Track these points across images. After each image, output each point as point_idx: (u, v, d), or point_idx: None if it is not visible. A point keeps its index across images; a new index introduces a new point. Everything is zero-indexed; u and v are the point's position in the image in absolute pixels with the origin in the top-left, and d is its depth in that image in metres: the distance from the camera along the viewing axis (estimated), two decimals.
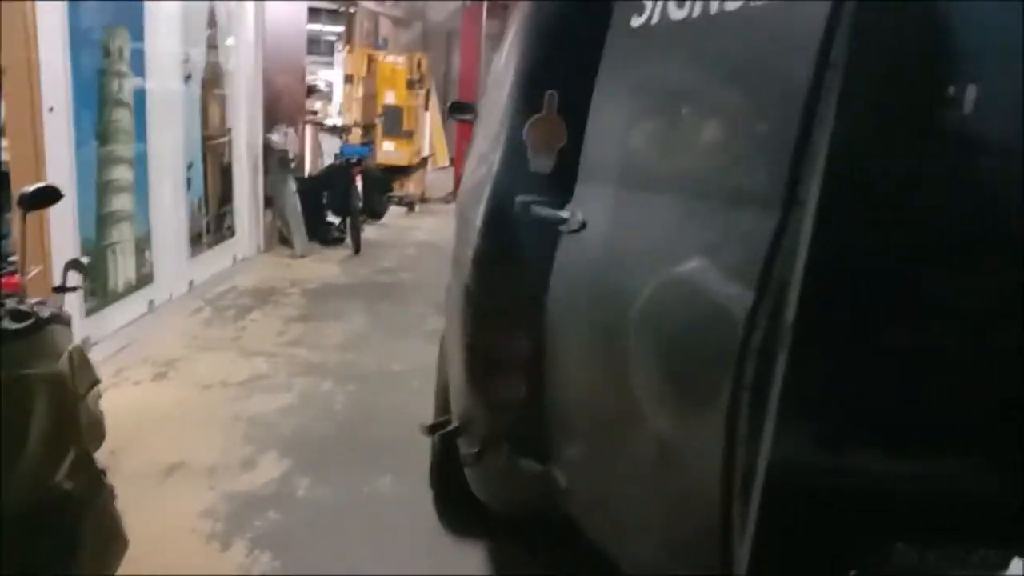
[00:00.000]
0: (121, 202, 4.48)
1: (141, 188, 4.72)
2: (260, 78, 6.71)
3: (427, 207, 10.40)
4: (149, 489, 3.00)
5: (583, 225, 1.81)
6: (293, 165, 7.37)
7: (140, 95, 4.65)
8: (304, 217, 7.26)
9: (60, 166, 3.77)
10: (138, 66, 4.61)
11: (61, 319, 1.96)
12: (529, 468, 2.03)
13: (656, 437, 1.56)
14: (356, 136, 8.91)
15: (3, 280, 1.94)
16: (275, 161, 6.98)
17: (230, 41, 6.19)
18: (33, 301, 1.92)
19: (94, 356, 2.58)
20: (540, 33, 2.02)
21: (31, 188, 2.08)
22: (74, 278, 2.14)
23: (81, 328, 3.46)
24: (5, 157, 3.79)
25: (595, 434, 1.85)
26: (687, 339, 1.49)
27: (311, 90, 10.11)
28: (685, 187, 1.57)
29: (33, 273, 2.38)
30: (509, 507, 2.34)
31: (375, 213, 8.28)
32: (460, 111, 4.35)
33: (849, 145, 1.26)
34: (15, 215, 2.21)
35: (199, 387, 4.04)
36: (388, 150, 9.73)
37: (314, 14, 10.21)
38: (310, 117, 9.00)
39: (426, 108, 11.00)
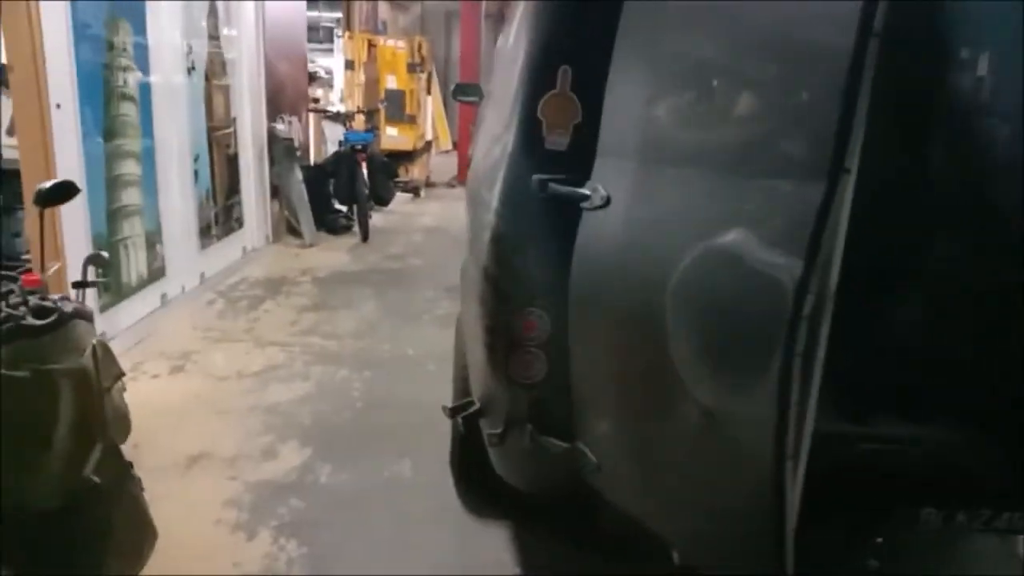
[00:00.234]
0: (130, 196, 4.48)
1: (149, 182, 4.72)
2: (262, 67, 6.68)
3: (432, 192, 10.38)
4: (173, 481, 3.03)
5: (608, 201, 1.80)
6: (298, 154, 7.36)
7: (145, 88, 4.63)
8: (311, 206, 7.26)
9: (69, 162, 3.77)
10: (141, 60, 4.59)
11: (83, 314, 1.97)
12: (553, 446, 2.03)
13: (699, 406, 1.57)
14: (359, 122, 8.88)
15: (24, 277, 1.94)
16: (280, 150, 6.97)
17: (232, 31, 6.16)
18: (56, 297, 1.93)
19: None
20: (551, 9, 2.00)
21: (48, 184, 2.08)
22: (93, 273, 2.14)
23: (96, 324, 3.48)
24: (14, 155, 3.79)
25: (630, 408, 1.85)
26: (732, 308, 1.49)
27: (311, 77, 10.07)
28: (722, 159, 1.57)
29: (53, 269, 2.38)
30: (533, 486, 2.35)
31: (381, 199, 8.26)
32: (465, 93, 4.33)
33: (889, 116, 1.27)
34: (29, 213, 2.22)
35: (216, 379, 4.06)
36: (392, 135, 9.71)
37: (312, 1, 10.16)
38: (313, 105, 8.97)
39: (428, 92, 10.95)
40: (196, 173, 5.50)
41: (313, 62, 10.44)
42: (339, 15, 11.99)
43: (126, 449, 2.14)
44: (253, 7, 6.53)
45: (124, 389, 2.20)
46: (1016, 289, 2.07)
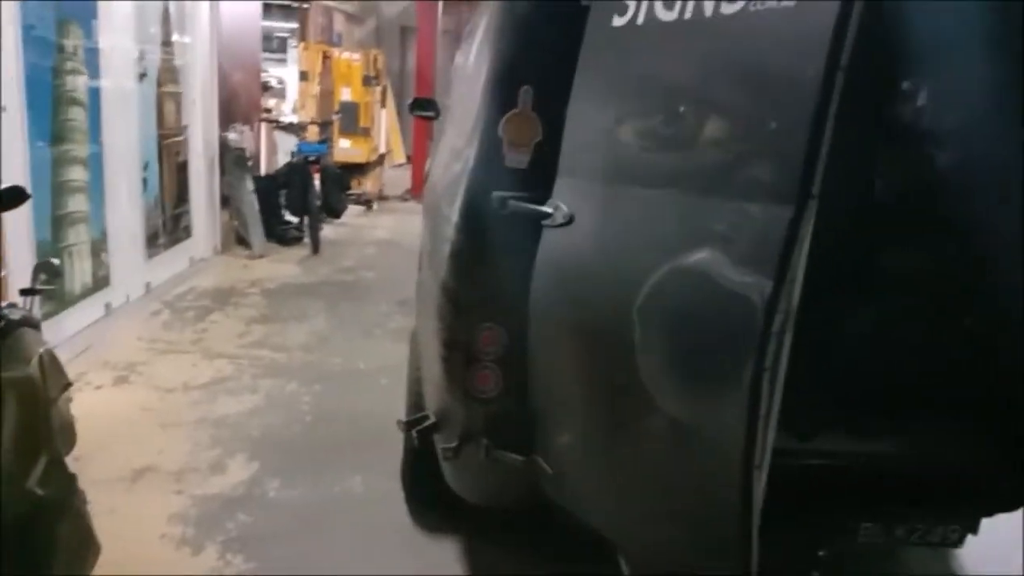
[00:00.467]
0: (76, 203, 4.38)
1: (96, 189, 4.62)
2: (215, 75, 6.61)
3: (385, 205, 10.34)
4: (117, 494, 2.96)
5: (571, 219, 1.84)
6: (250, 164, 7.28)
7: (94, 93, 4.55)
8: (262, 216, 7.17)
9: (14, 167, 3.67)
10: (92, 64, 4.51)
11: (31, 322, 1.93)
12: (508, 460, 2.05)
13: (666, 417, 1.61)
14: (313, 133, 8.82)
15: None
16: (231, 160, 6.88)
17: (185, 38, 6.08)
18: (2, 305, 1.88)
19: None
20: (514, 29, 2.04)
21: None
22: (43, 281, 2.10)
23: None
24: None
25: (595, 420, 1.88)
26: (701, 324, 1.54)
27: (265, 87, 9.98)
28: (689, 182, 1.61)
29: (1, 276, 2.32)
30: (488, 500, 2.36)
31: (334, 211, 8.20)
32: (422, 107, 4.34)
33: (850, 143, 1.35)
34: None
35: (162, 391, 3.97)
36: (345, 147, 9.65)
37: (266, 10, 10.09)
38: (265, 115, 8.88)
39: (382, 105, 10.93)
40: (145, 181, 5.40)
41: (266, 72, 10.36)
42: (294, 25, 11.93)
43: (69, 462, 2.09)
44: (207, 15, 6.46)
45: (70, 400, 2.15)
46: (959, 312, 2.18)
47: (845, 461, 2.15)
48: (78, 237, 4.43)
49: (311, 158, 7.67)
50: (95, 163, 4.59)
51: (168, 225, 5.87)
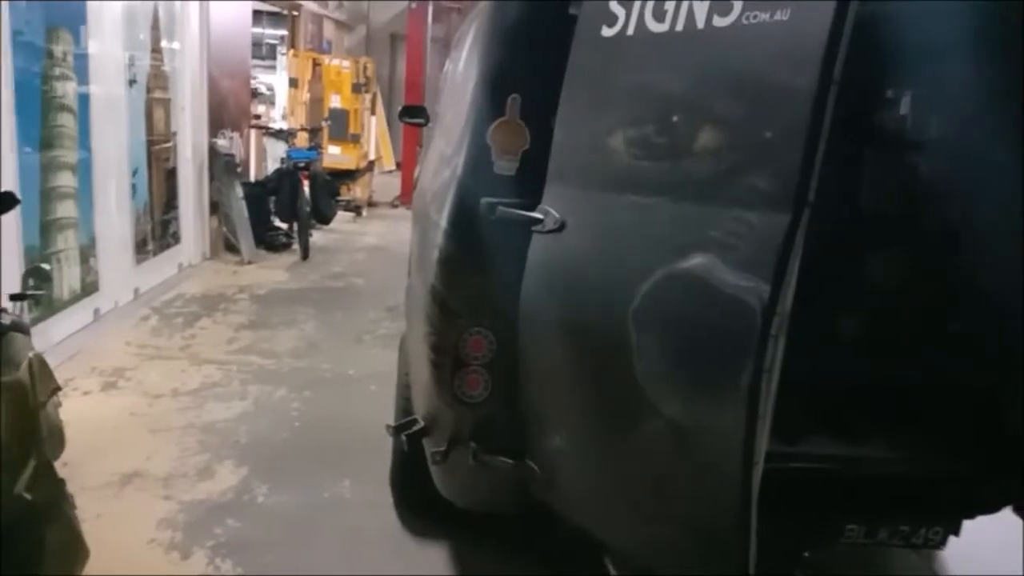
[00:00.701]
0: (65, 209, 4.38)
1: (85, 195, 4.62)
2: (205, 82, 6.61)
3: (374, 211, 10.35)
4: (106, 500, 2.95)
5: (562, 226, 1.86)
6: (239, 170, 7.27)
7: (84, 100, 4.55)
8: (251, 222, 7.17)
9: (4, 172, 3.67)
10: (81, 70, 4.51)
11: (20, 327, 1.94)
12: (497, 464, 2.07)
13: (663, 419, 1.64)
14: (302, 140, 8.83)
15: None
16: (221, 166, 6.88)
17: (175, 45, 6.09)
18: None
19: None
20: (502, 37, 2.06)
21: None
22: (33, 286, 2.11)
23: None
24: None
25: (586, 423, 1.90)
26: (699, 327, 1.58)
27: (254, 94, 9.98)
28: (683, 190, 1.65)
29: None
30: (476, 504, 2.37)
31: (323, 218, 8.21)
32: (411, 115, 4.36)
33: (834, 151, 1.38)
34: None
35: (150, 396, 3.97)
36: (335, 154, 9.65)
37: (256, 17, 10.10)
38: (255, 121, 8.88)
39: (372, 112, 10.95)
40: (134, 187, 5.40)
41: (256, 79, 10.36)
42: (283, 33, 11.93)
43: (57, 467, 2.09)
44: (197, 21, 6.47)
45: (59, 404, 2.16)
46: (941, 312, 2.21)
47: (829, 464, 2.18)
48: (67, 243, 4.42)
49: (300, 164, 7.67)
50: (84, 169, 4.59)
51: (157, 231, 5.87)
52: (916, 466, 2.16)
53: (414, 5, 10.87)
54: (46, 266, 2.46)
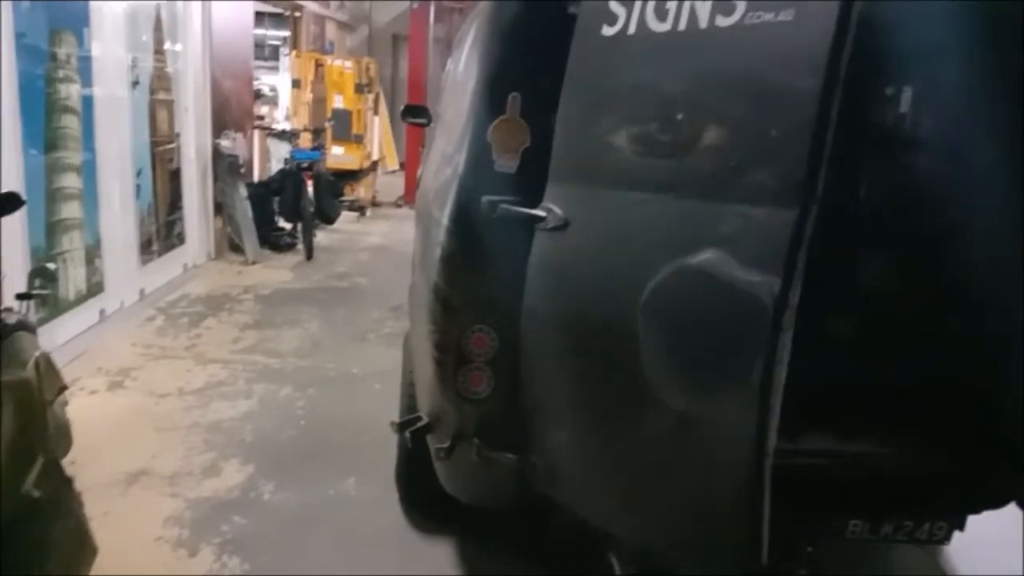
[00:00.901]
0: (70, 210, 4.40)
1: (90, 196, 4.64)
2: (208, 83, 6.64)
3: (378, 211, 10.37)
4: (112, 498, 2.98)
5: (565, 223, 1.88)
6: (243, 171, 7.30)
7: (87, 101, 4.57)
8: (255, 223, 7.19)
9: (9, 174, 3.70)
10: (85, 72, 4.54)
11: (27, 326, 1.96)
12: (501, 460, 2.08)
13: (672, 412, 1.67)
14: (306, 140, 8.85)
15: None
16: (224, 167, 6.90)
17: (177, 46, 6.11)
18: None
19: None
20: (502, 36, 2.08)
21: None
22: (38, 285, 2.12)
23: None
24: None
25: (593, 417, 1.92)
26: (709, 322, 1.61)
27: (257, 95, 10.01)
28: (688, 187, 1.68)
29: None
30: (480, 500, 2.38)
31: (327, 218, 8.23)
32: (413, 114, 4.37)
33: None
34: None
35: (156, 396, 3.99)
36: (338, 154, 9.67)
37: (258, 19, 10.13)
38: (258, 122, 8.90)
39: (375, 112, 10.97)
40: (138, 188, 5.42)
41: (259, 79, 10.39)
42: (286, 34, 11.95)
43: (64, 465, 2.11)
44: (199, 23, 6.49)
45: (66, 403, 2.18)
46: (940, 311, 2.22)
47: (831, 460, 2.18)
48: (72, 244, 4.45)
49: (304, 165, 7.70)
50: (88, 170, 4.61)
51: (162, 232, 5.89)
52: (918, 462, 2.17)
53: (416, 5, 10.88)
54: (51, 265, 2.47)
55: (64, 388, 2.09)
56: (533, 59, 2.03)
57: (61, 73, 4.29)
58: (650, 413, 1.74)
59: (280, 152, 8.69)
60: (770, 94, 1.55)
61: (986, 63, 1.95)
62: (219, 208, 6.99)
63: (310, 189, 7.72)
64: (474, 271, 2.07)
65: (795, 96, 1.48)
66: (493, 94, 2.04)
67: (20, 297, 2.09)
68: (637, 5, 1.75)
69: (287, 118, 10.67)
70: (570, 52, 1.90)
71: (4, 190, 2.27)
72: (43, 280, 2.26)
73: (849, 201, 2.29)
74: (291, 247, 7.60)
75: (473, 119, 2.07)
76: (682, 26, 1.66)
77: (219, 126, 6.90)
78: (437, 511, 2.80)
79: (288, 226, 7.76)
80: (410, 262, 2.97)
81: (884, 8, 1.99)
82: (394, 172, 12.69)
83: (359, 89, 9.93)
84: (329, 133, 9.55)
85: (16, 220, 3.69)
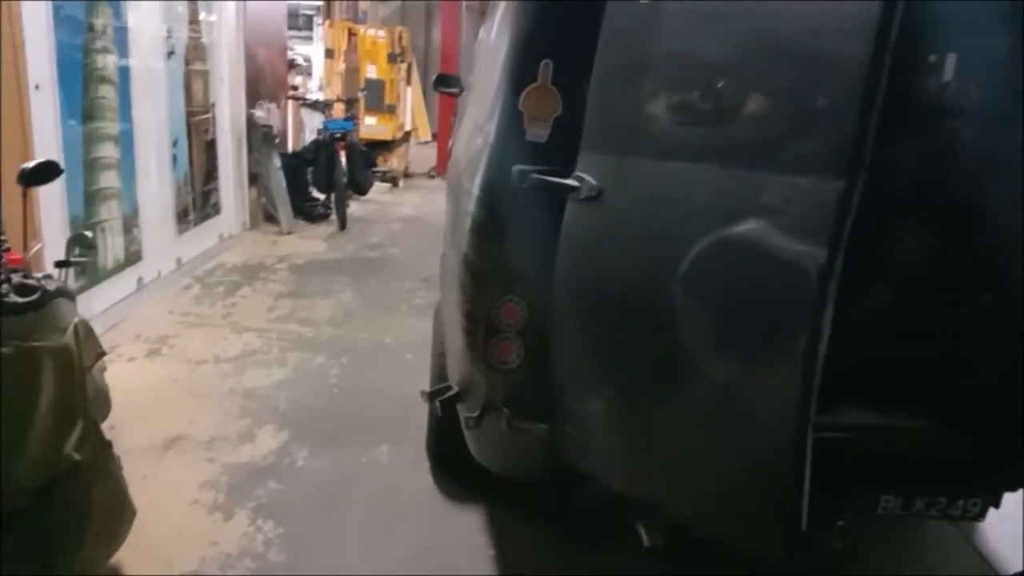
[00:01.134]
0: (108, 180, 4.47)
1: (127, 165, 4.70)
2: (242, 53, 6.65)
3: (411, 182, 10.38)
4: (150, 462, 3.04)
5: (600, 193, 1.86)
6: (277, 141, 7.34)
7: (124, 72, 4.61)
8: (289, 193, 7.25)
9: (47, 144, 3.76)
10: (121, 43, 4.57)
11: (66, 293, 1.99)
12: (530, 430, 2.09)
13: (713, 382, 1.68)
14: (339, 111, 8.86)
15: (7, 256, 1.95)
16: (259, 137, 6.94)
17: (212, 17, 6.13)
18: (38, 276, 1.95)
19: None
20: (534, 3, 2.05)
21: (31, 164, 2.10)
22: (76, 253, 2.16)
23: None
24: None
25: (628, 387, 1.92)
26: (753, 292, 1.61)
27: (291, 65, 10.02)
28: (730, 156, 1.66)
29: (35, 249, 2.40)
30: (509, 469, 2.40)
31: (360, 188, 8.26)
32: (445, 84, 4.35)
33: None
34: (8, 192, 2.22)
35: (193, 363, 4.06)
36: (371, 125, 9.69)
37: None
38: (292, 92, 8.93)
39: (408, 82, 10.94)
40: (174, 158, 5.48)
41: (292, 50, 10.40)
42: (319, 3, 11.92)
43: (104, 430, 2.16)
44: None
45: (104, 368, 2.22)
46: (977, 282, 2.17)
47: (864, 434, 2.16)
48: (110, 213, 4.52)
49: (337, 135, 7.71)
50: (126, 140, 4.67)
51: (198, 201, 5.96)
52: (951, 437, 2.13)
53: None
54: (89, 233, 2.51)
55: (102, 354, 2.13)
56: (565, 25, 2.00)
57: (98, 44, 4.33)
58: (688, 383, 1.75)
59: (314, 122, 8.71)
60: (817, 62, 1.53)
61: None
62: (254, 178, 7.05)
63: (343, 160, 7.74)
64: (504, 241, 2.06)
65: (844, 64, 1.46)
66: (524, 62, 2.01)
67: (59, 264, 2.13)
68: None
69: (320, 88, 10.69)
70: (604, 19, 1.86)
71: (47, 159, 2.30)
72: (81, 248, 2.29)
73: (887, 171, 2.24)
74: (324, 217, 7.65)
75: (504, 87, 2.05)
76: None
77: (253, 96, 6.93)
78: (467, 479, 2.82)
79: (321, 196, 7.80)
80: (441, 233, 2.97)
81: None
82: (427, 143, 12.68)
83: (392, 59, 9.91)
84: (362, 103, 9.55)
85: (55, 189, 3.76)
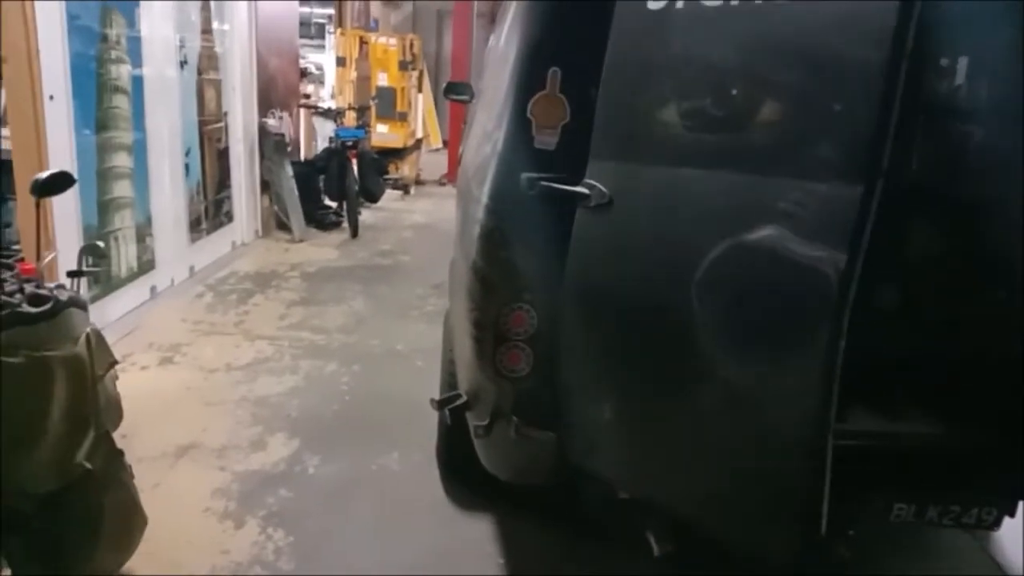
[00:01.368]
0: (121, 188, 4.50)
1: (140, 175, 4.74)
2: (254, 62, 6.69)
3: (422, 189, 10.41)
4: (163, 470, 3.06)
5: (610, 200, 1.86)
6: (289, 149, 7.37)
7: (137, 81, 4.65)
8: (301, 201, 7.28)
9: (61, 154, 3.79)
10: (134, 53, 4.61)
11: (78, 303, 2.01)
12: (538, 437, 2.09)
13: (722, 387, 1.70)
14: (350, 119, 8.90)
15: (20, 266, 1.97)
16: (271, 145, 6.98)
17: (225, 26, 6.18)
18: (51, 285, 1.96)
19: None
20: (542, 10, 2.05)
21: (44, 175, 2.12)
22: (87, 262, 2.18)
23: None
24: (6, 146, 3.81)
25: (642, 393, 1.93)
26: (770, 297, 1.62)
27: (303, 73, 10.08)
28: (745, 162, 1.67)
29: (49, 259, 2.42)
30: (518, 477, 2.40)
31: (372, 196, 8.28)
32: (455, 91, 4.37)
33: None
34: (23, 203, 2.25)
35: (205, 371, 4.08)
36: (382, 132, 9.72)
37: None
38: (304, 101, 8.98)
39: (419, 89, 10.97)
40: (187, 167, 5.52)
41: (304, 58, 10.46)
42: (331, 11, 11.99)
43: (116, 438, 2.17)
44: (246, 2, 6.54)
45: (116, 377, 2.23)
46: (988, 289, 2.15)
47: (877, 441, 2.14)
48: (123, 222, 4.55)
49: (349, 143, 7.74)
50: (139, 149, 4.70)
51: (210, 210, 6.00)
52: (966, 443, 2.11)
53: None
54: (101, 243, 2.53)
55: (114, 363, 2.14)
56: (574, 33, 2.00)
57: (112, 54, 4.37)
58: (705, 388, 1.76)
59: (326, 131, 8.75)
60: (832, 68, 1.54)
61: None
62: (266, 186, 7.08)
63: (355, 167, 7.77)
64: (513, 249, 2.06)
65: (860, 70, 1.48)
66: (533, 69, 2.02)
67: (71, 274, 2.15)
68: None
69: (332, 96, 10.73)
70: (613, 26, 1.86)
71: (60, 169, 2.33)
72: (94, 257, 2.31)
73: (900, 173, 2.22)
74: (336, 225, 7.67)
75: (513, 95, 2.05)
76: (736, 0, 1.64)
77: (265, 105, 6.97)
78: (477, 487, 2.82)
79: (333, 204, 7.83)
80: (452, 240, 2.98)
81: None
82: (438, 150, 12.71)
83: (403, 66, 9.94)
84: (374, 111, 9.58)
85: (69, 199, 3.79)
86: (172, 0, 5.14)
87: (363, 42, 9.99)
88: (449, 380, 2.70)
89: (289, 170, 7.18)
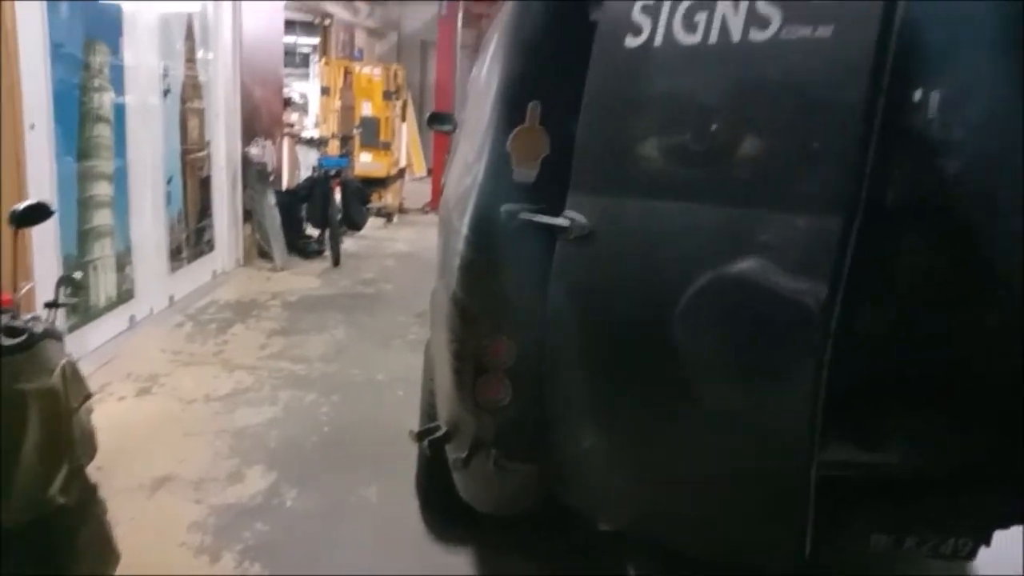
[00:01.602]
0: (102, 217, 4.48)
1: (121, 203, 4.72)
2: (238, 91, 6.71)
3: (405, 218, 10.42)
4: (138, 503, 3.01)
5: (590, 233, 1.88)
6: (271, 178, 7.37)
7: (119, 110, 4.65)
8: (283, 230, 7.27)
9: (42, 183, 3.78)
10: (117, 81, 4.61)
11: (54, 334, 1.99)
12: (518, 470, 2.07)
13: (715, 420, 1.71)
14: (334, 148, 8.92)
15: None
16: (254, 174, 6.98)
17: (208, 55, 6.20)
18: (26, 317, 1.94)
19: None
20: (522, 43, 2.08)
21: (22, 206, 2.10)
22: (64, 294, 2.16)
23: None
24: None
25: (626, 426, 1.93)
26: (752, 330, 1.65)
27: (287, 102, 10.11)
28: (725, 196, 1.70)
29: (25, 290, 2.39)
30: (498, 509, 2.38)
31: (354, 224, 8.28)
32: (439, 122, 4.39)
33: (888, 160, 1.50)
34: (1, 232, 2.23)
35: (183, 401, 4.04)
36: (366, 161, 9.74)
37: (288, 27, 10.22)
38: (287, 130, 9.00)
39: (403, 119, 11.03)
40: (169, 195, 5.50)
41: (288, 87, 10.50)
42: (316, 41, 12.06)
43: (91, 471, 2.14)
44: (230, 31, 6.57)
45: (91, 410, 2.20)
46: (969, 317, 2.17)
47: (854, 471, 2.14)
48: (103, 251, 4.52)
49: (332, 172, 7.75)
50: (120, 178, 4.69)
51: (191, 239, 5.97)
52: (943, 473, 2.12)
53: (444, 12, 10.92)
54: (79, 274, 2.51)
55: (89, 396, 2.11)
56: (553, 66, 2.03)
57: (95, 82, 4.37)
58: (687, 419, 1.77)
59: (309, 159, 8.76)
60: (810, 107, 1.58)
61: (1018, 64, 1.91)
62: (248, 215, 7.07)
63: (338, 196, 7.77)
64: (493, 280, 2.06)
65: (837, 110, 1.52)
66: (513, 102, 2.03)
67: (48, 305, 2.12)
68: (663, 17, 1.75)
69: (316, 125, 10.77)
70: (591, 62, 1.89)
71: (35, 199, 2.31)
72: (71, 288, 2.29)
73: (876, 206, 2.25)
74: (319, 254, 7.66)
75: (493, 127, 2.07)
76: (713, 39, 1.68)
77: (249, 134, 6.98)
78: (457, 519, 2.80)
79: (316, 233, 7.82)
80: (435, 268, 2.98)
81: (914, 9, 1.96)
82: (422, 178, 12.75)
83: (387, 96, 10.00)
84: (357, 140, 9.62)
85: (48, 228, 3.76)
86: (156, 28, 5.16)
87: (347, 72, 10.05)
88: (429, 411, 2.69)
89: (272, 199, 7.18)
